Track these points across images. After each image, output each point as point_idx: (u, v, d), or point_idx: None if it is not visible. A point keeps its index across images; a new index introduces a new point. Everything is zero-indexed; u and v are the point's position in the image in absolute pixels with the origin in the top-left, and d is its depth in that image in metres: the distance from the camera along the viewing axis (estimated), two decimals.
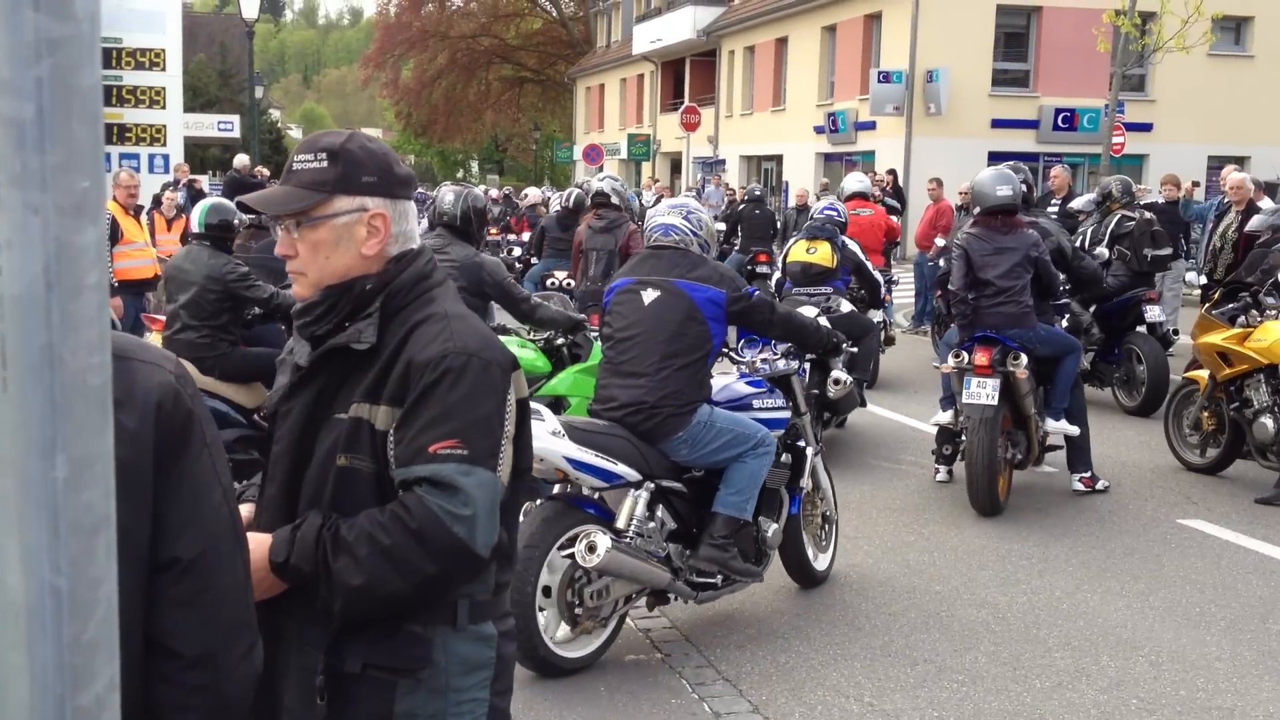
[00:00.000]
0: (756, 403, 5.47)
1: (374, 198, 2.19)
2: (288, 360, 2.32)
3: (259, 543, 2.09)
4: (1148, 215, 10.97)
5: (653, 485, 4.94)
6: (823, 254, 9.08)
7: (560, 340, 7.27)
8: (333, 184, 2.16)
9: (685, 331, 5.04)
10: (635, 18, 44.90)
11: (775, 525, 5.37)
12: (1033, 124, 28.77)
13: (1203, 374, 8.34)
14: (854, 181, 12.91)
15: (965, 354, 7.27)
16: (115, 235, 11.11)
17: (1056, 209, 14.64)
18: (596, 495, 4.97)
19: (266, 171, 20.61)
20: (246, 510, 2.28)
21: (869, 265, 9.94)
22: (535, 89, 59.91)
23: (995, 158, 28.40)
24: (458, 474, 2.07)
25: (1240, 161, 29.49)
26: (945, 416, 7.92)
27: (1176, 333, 11.54)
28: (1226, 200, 11.75)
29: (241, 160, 19.21)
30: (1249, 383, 7.90)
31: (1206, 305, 8.47)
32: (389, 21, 57.60)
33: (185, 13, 60.17)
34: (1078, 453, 7.74)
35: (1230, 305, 8.14)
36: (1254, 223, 9.96)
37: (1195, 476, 8.26)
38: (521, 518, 4.77)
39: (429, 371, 2.11)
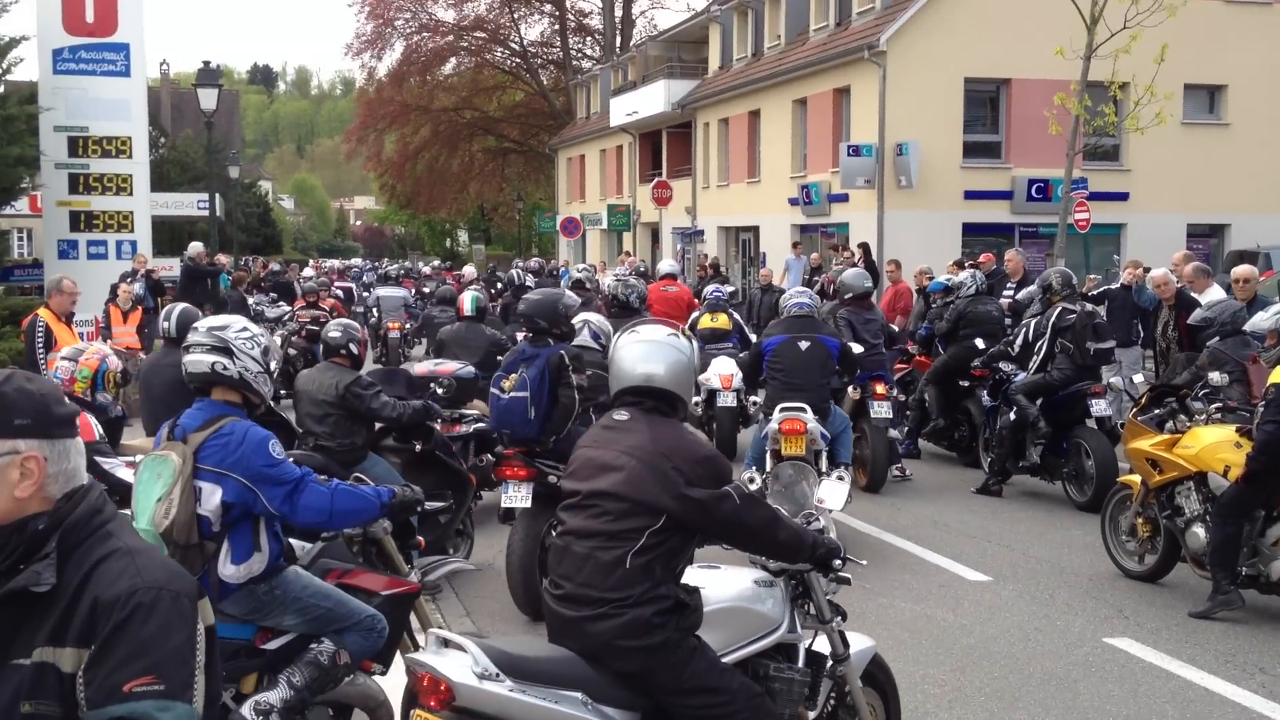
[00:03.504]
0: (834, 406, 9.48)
1: (27, 440, 2.16)
2: None
3: None
4: (1089, 308, 10.89)
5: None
6: (721, 321, 13.43)
7: None
8: None
9: (826, 365, 9.27)
10: (612, 90, 45.20)
11: None
12: (1006, 195, 28.81)
13: (1135, 478, 8.20)
14: (665, 265, 17.04)
15: (861, 388, 10.78)
16: (49, 343, 11.05)
17: (1011, 291, 14.61)
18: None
19: (224, 259, 20.60)
20: None
21: (746, 328, 14.14)
22: (519, 159, 60.26)
23: (970, 229, 28.51)
24: (155, 710, 2.06)
25: (1220, 230, 29.67)
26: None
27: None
28: (1157, 297, 11.68)
29: (196, 248, 19.17)
30: (1179, 490, 7.76)
31: (1134, 409, 8.34)
32: (369, 97, 58.03)
33: (171, 88, 60.87)
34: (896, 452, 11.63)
35: (1157, 410, 8.03)
36: (1195, 317, 9.84)
37: (1132, 585, 8.10)
38: (769, 489, 8.40)
39: (119, 609, 2.09)
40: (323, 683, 4.34)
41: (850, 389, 10.67)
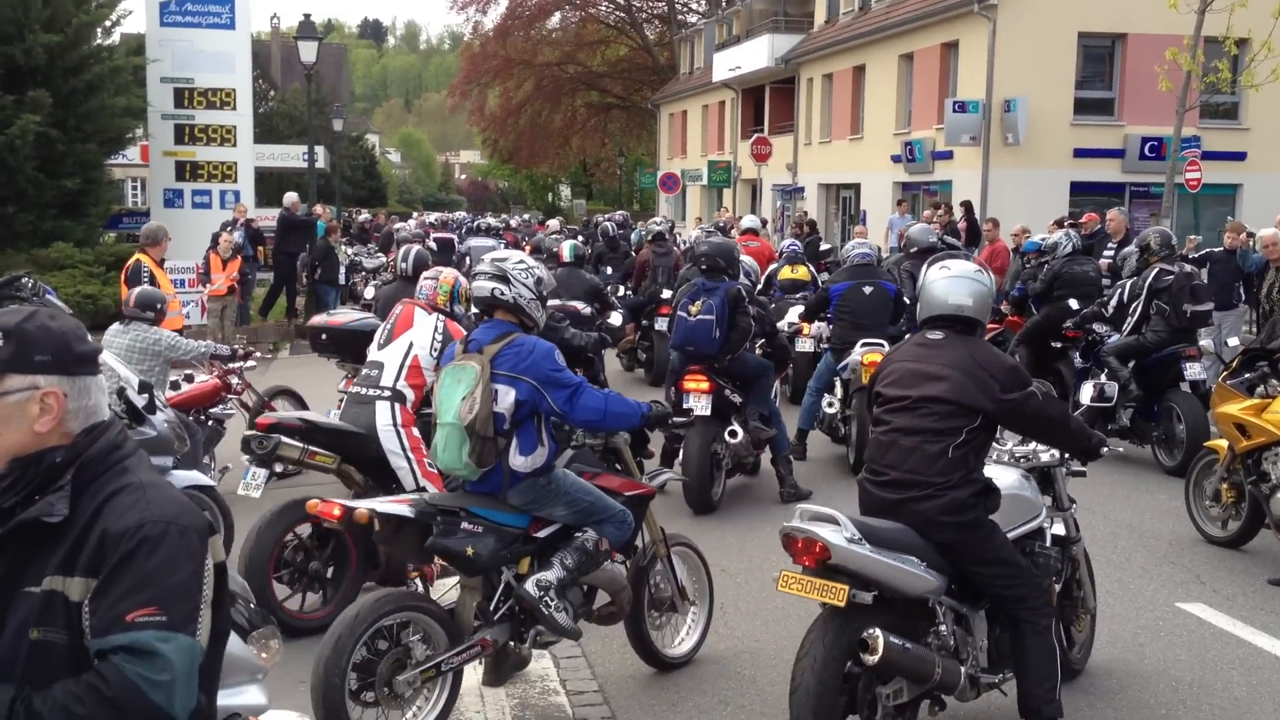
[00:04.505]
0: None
1: (47, 376, 2.21)
2: None
3: None
4: (1188, 269, 10.56)
5: None
6: (801, 272, 14.45)
7: None
8: (4, 363, 2.19)
9: (886, 306, 10.24)
10: (715, 45, 44.79)
11: None
12: (1118, 153, 27.95)
13: (1222, 443, 7.97)
14: (747, 221, 18.14)
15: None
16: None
17: (1112, 252, 14.23)
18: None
19: (321, 209, 20.93)
20: None
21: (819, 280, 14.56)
22: (621, 114, 60.12)
23: (1078, 188, 27.77)
24: (156, 640, 2.10)
25: None
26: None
27: None
28: (1265, 258, 11.25)
29: (290, 198, 19.54)
30: (1267, 456, 7.52)
31: (1223, 374, 8.08)
32: (473, 52, 58.30)
33: (282, 42, 61.81)
34: None
35: (1247, 374, 7.77)
36: None
37: (1213, 550, 7.89)
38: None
39: (126, 541, 2.14)
40: (588, 566, 5.01)
41: (908, 336, 11.10)
